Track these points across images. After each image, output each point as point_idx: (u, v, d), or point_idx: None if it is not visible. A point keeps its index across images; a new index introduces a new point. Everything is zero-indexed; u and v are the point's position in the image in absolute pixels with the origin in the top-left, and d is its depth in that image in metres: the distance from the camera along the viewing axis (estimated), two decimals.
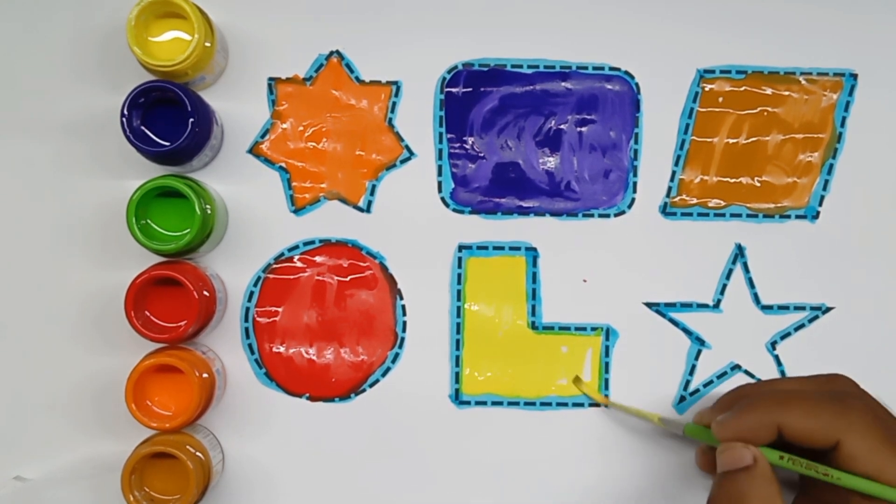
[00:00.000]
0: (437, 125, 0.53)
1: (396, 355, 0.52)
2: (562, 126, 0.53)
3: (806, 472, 0.44)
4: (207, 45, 0.48)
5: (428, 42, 0.52)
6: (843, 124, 0.53)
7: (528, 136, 0.53)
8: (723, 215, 0.53)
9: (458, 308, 0.53)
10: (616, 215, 0.53)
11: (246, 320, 0.52)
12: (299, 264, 0.52)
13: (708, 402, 0.52)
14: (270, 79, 0.52)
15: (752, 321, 0.53)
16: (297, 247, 0.52)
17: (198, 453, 0.48)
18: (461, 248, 0.53)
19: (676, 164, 0.53)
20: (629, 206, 0.53)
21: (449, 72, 0.53)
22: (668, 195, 0.53)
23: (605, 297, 0.53)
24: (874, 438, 0.41)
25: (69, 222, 0.51)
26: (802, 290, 0.53)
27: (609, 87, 0.53)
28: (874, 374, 0.53)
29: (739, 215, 0.53)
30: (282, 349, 0.52)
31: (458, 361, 0.53)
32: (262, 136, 0.52)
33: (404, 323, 0.52)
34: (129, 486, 0.47)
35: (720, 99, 0.53)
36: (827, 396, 0.43)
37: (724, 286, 0.53)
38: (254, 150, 0.52)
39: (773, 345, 0.53)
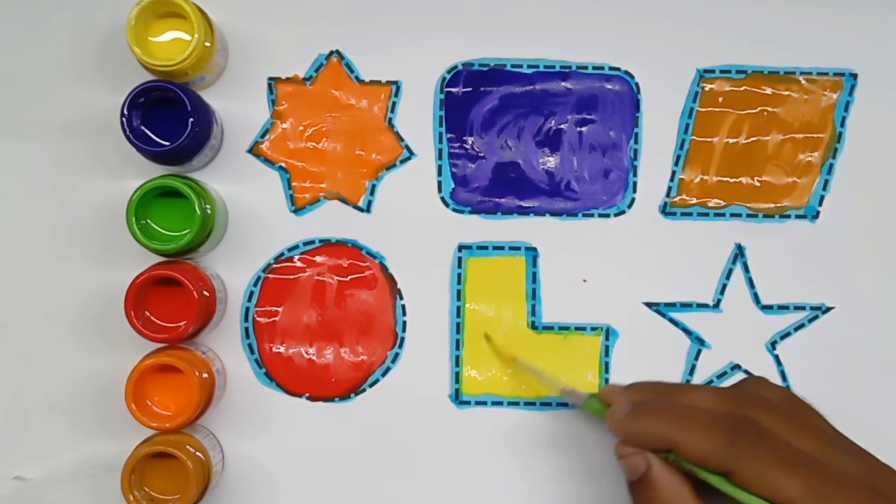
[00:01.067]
0: (436, 125, 0.53)
1: (396, 355, 0.52)
2: (562, 126, 0.53)
3: (699, 475, 0.42)
4: (207, 44, 0.48)
5: (428, 42, 0.52)
6: (843, 124, 0.53)
7: (527, 135, 0.53)
8: (723, 215, 0.53)
9: (458, 308, 0.53)
10: (616, 215, 0.53)
11: (246, 320, 0.52)
12: (299, 264, 0.52)
13: None
14: (270, 79, 0.52)
15: (752, 321, 0.53)
16: (297, 247, 0.52)
17: (198, 453, 0.48)
18: (461, 247, 0.53)
19: (676, 163, 0.53)
20: (629, 206, 0.53)
21: (449, 72, 0.53)
22: (668, 195, 0.53)
23: (605, 297, 0.53)
24: (763, 464, 0.39)
25: (69, 222, 0.51)
26: (802, 290, 0.53)
27: (609, 86, 0.53)
28: (874, 374, 0.53)
29: (739, 215, 0.53)
30: (282, 349, 0.52)
31: (458, 361, 0.53)
32: (262, 136, 0.52)
33: (404, 323, 0.52)
34: (129, 486, 0.47)
35: (720, 99, 0.53)
36: (720, 421, 0.41)
37: (724, 286, 0.53)
38: (254, 150, 0.52)
39: (773, 345, 0.53)
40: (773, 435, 0.41)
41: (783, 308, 0.53)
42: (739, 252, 0.53)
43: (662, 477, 0.42)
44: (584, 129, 0.53)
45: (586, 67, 0.53)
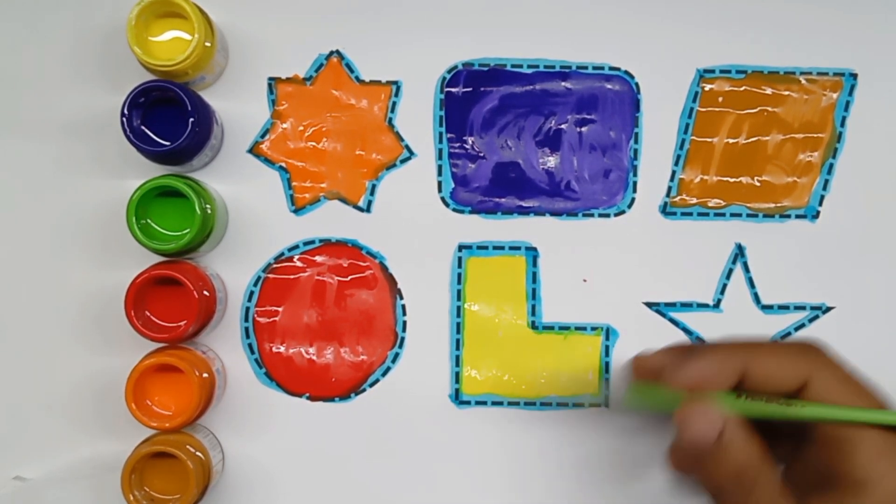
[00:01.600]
0: (437, 125, 0.53)
1: (396, 355, 0.52)
2: (562, 126, 0.53)
3: (768, 414, 0.39)
4: (207, 44, 0.48)
5: (428, 42, 0.52)
6: (843, 124, 0.53)
7: (528, 135, 0.53)
8: (723, 215, 0.53)
9: (458, 308, 0.53)
10: (616, 215, 0.53)
11: (246, 320, 0.52)
12: (299, 264, 0.52)
13: None
14: (270, 78, 0.52)
15: (753, 321, 0.53)
16: (297, 246, 0.52)
17: (198, 453, 0.48)
18: (461, 247, 0.53)
19: (676, 163, 0.53)
20: (629, 206, 0.53)
21: (449, 72, 0.53)
22: (668, 195, 0.53)
23: (605, 297, 0.53)
24: (843, 372, 0.40)
25: (69, 222, 0.51)
26: (802, 289, 0.53)
27: (609, 86, 0.53)
28: (874, 374, 0.53)
29: (739, 215, 0.53)
30: (282, 349, 0.52)
31: (458, 361, 0.53)
32: (262, 136, 0.52)
33: (404, 323, 0.52)
34: (129, 486, 0.47)
35: (720, 99, 0.53)
36: (794, 342, 0.43)
37: (725, 286, 0.53)
38: (254, 150, 0.52)
39: None
40: (843, 361, 0.41)
41: (783, 308, 0.53)
42: (739, 252, 0.53)
43: (737, 439, 0.39)
44: (584, 129, 0.53)
45: (586, 67, 0.53)
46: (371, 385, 0.52)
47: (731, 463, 0.39)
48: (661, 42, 0.53)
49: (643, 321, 0.53)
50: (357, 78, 0.52)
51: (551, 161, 0.53)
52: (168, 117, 0.47)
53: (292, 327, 0.52)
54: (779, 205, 0.53)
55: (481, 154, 0.53)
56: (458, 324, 0.53)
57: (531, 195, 0.53)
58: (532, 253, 0.53)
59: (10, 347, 0.51)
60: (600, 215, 0.53)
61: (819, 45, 0.53)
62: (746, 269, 0.53)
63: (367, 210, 0.52)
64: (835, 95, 0.53)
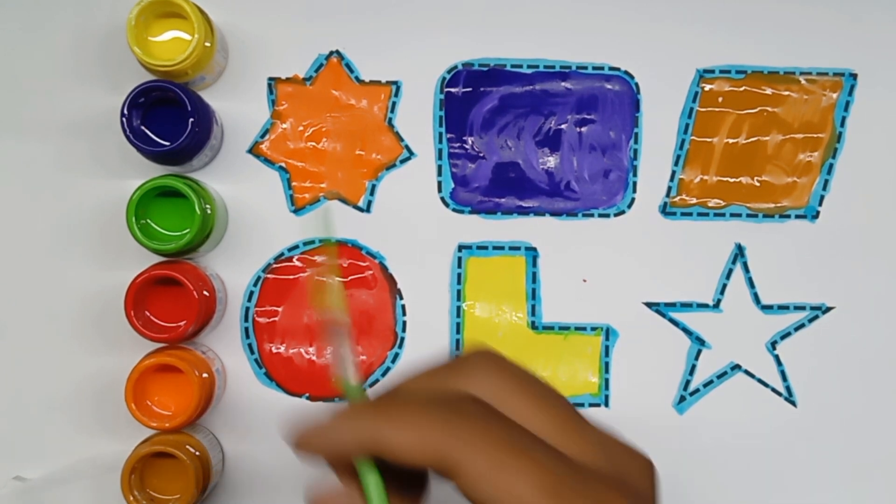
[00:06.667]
0: (436, 125, 0.53)
1: (396, 355, 0.52)
2: (561, 126, 0.53)
3: None
4: (207, 44, 0.48)
5: (428, 42, 0.52)
6: (842, 124, 0.53)
7: (527, 135, 0.53)
8: (723, 215, 0.53)
9: (458, 308, 0.53)
10: (616, 215, 0.53)
11: (246, 320, 0.52)
12: (299, 264, 0.52)
13: (709, 402, 0.53)
14: (270, 79, 0.52)
15: (752, 321, 0.53)
16: (296, 247, 0.52)
17: (198, 453, 0.48)
18: (461, 247, 0.53)
19: (676, 163, 0.53)
20: (629, 206, 0.53)
21: (449, 72, 0.53)
22: (667, 195, 0.53)
23: (605, 297, 0.53)
24: (497, 450, 0.28)
25: (69, 222, 0.51)
26: (802, 290, 0.53)
27: (609, 86, 0.53)
28: (874, 374, 0.53)
29: (739, 215, 0.53)
30: (282, 349, 0.52)
31: None
32: (262, 136, 0.52)
33: (404, 323, 0.52)
34: (129, 486, 0.47)
35: (720, 99, 0.53)
36: (439, 401, 0.30)
37: (724, 286, 0.53)
38: (254, 150, 0.52)
39: (773, 345, 0.53)
40: (506, 424, 0.30)
41: (783, 308, 0.53)
42: (739, 252, 0.53)
43: None
44: (583, 129, 0.53)
45: (586, 67, 0.53)
46: (371, 385, 0.52)
47: None
48: (661, 42, 0.53)
49: (643, 321, 0.53)
50: (357, 78, 0.52)
51: (551, 161, 0.53)
52: (168, 117, 0.47)
53: (292, 327, 0.52)
54: (779, 205, 0.53)
55: (481, 154, 0.53)
56: (458, 324, 0.53)
57: (531, 195, 0.53)
58: (532, 253, 0.53)
59: (10, 347, 0.51)
60: (600, 215, 0.53)
61: (819, 45, 0.53)
62: (746, 269, 0.53)
63: (367, 210, 0.52)
64: (835, 95, 0.53)
